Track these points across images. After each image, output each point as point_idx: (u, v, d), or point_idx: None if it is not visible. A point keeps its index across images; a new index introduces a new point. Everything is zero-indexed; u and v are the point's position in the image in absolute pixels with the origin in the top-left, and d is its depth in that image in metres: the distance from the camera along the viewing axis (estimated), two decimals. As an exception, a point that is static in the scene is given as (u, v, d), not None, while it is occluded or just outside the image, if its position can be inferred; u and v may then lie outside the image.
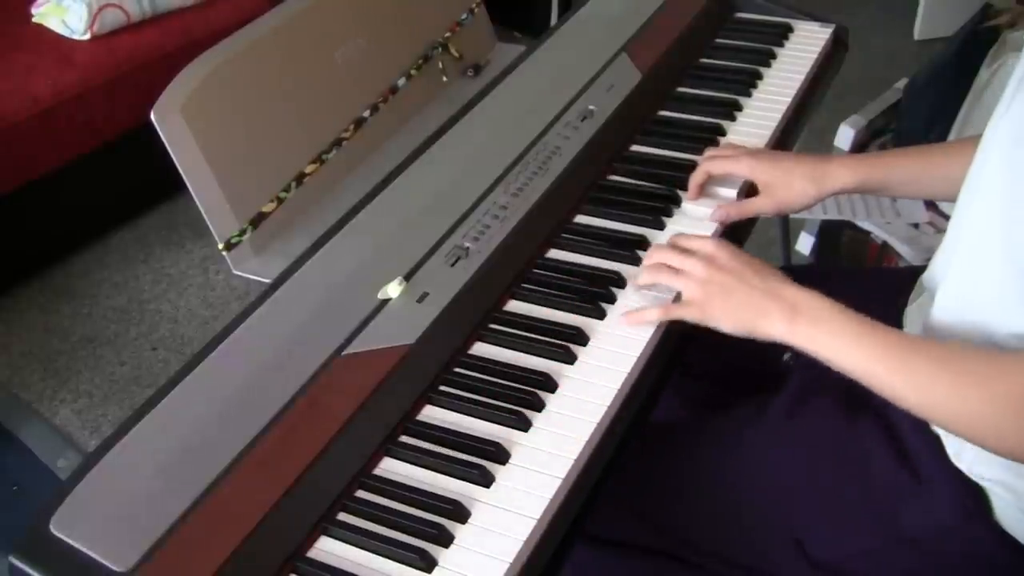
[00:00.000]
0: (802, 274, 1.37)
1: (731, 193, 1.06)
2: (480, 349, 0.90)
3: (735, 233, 1.06)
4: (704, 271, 0.86)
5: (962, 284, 0.82)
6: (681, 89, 1.26)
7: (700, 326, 0.87)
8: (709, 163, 1.05)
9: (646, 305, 0.91)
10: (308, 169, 1.10)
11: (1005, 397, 0.71)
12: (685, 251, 0.89)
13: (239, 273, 1.03)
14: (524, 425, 0.81)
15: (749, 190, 1.07)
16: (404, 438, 0.82)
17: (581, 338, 0.89)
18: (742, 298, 0.84)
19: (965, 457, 0.82)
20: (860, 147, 2.06)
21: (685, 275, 0.88)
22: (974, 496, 0.82)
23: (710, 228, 1.02)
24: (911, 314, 0.93)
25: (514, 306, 0.94)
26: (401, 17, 1.23)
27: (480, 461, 0.78)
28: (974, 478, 0.82)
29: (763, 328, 0.83)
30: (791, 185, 1.01)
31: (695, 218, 1.04)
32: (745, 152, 1.04)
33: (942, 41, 2.44)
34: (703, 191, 1.06)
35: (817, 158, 1.02)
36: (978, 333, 0.79)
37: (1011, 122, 0.77)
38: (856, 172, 1.00)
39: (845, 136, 2.06)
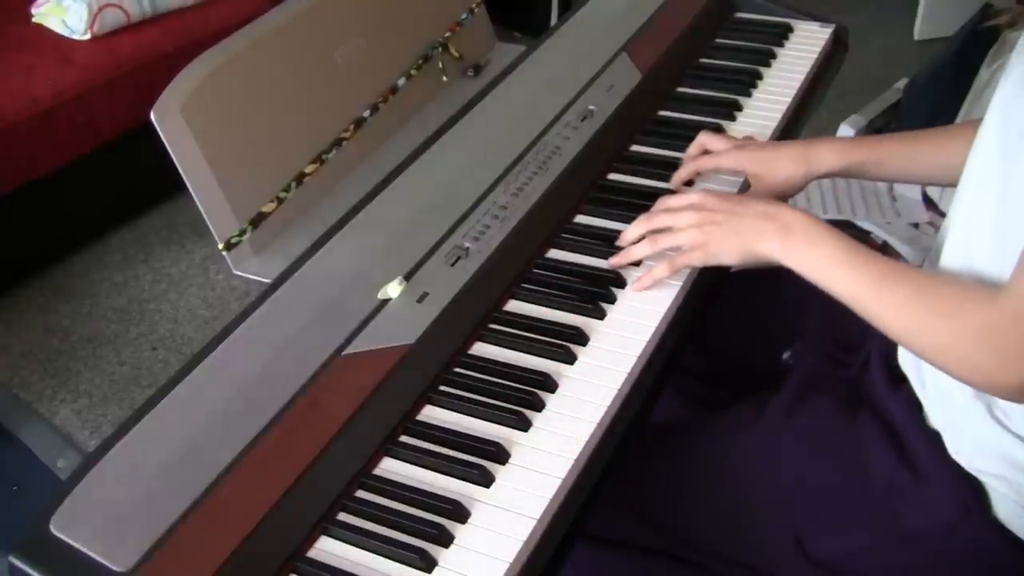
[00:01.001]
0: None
1: (732, 191, 1.07)
2: (480, 349, 0.90)
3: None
4: (696, 217, 0.89)
5: (957, 254, 0.83)
6: (681, 89, 1.26)
7: (697, 323, 0.87)
8: (696, 162, 1.06)
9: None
10: (308, 169, 1.10)
11: (976, 329, 0.73)
12: (667, 214, 0.91)
13: (239, 273, 1.03)
14: (524, 425, 0.81)
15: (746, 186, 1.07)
16: (404, 438, 0.82)
17: (581, 338, 0.89)
18: (737, 226, 0.86)
19: (964, 451, 0.82)
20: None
21: (680, 229, 0.90)
22: (973, 492, 0.82)
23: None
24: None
25: (514, 306, 0.94)
26: (401, 17, 1.23)
27: (480, 461, 0.78)
28: (973, 472, 0.82)
29: (759, 248, 0.85)
30: (779, 170, 1.02)
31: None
32: (731, 146, 1.05)
33: (942, 41, 2.44)
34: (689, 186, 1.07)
35: (802, 141, 1.04)
36: None
37: (1001, 100, 0.77)
38: (842, 154, 1.01)
39: (845, 136, 2.06)
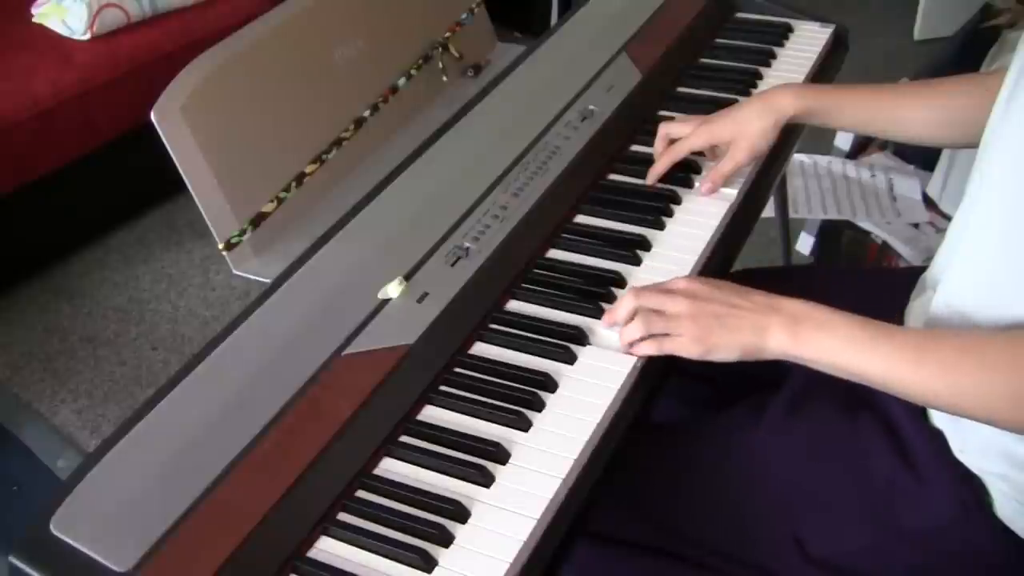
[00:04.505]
0: (802, 274, 1.38)
1: (732, 192, 1.07)
2: (480, 349, 0.90)
3: (735, 234, 1.06)
4: (691, 307, 0.83)
5: (960, 278, 0.83)
6: (681, 89, 1.26)
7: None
8: (669, 153, 1.07)
9: (638, 340, 0.86)
10: (308, 169, 1.10)
11: None
12: (661, 293, 0.86)
13: (239, 273, 1.03)
14: (524, 425, 0.81)
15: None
16: (404, 438, 0.82)
17: (581, 338, 0.89)
18: (737, 322, 0.81)
19: (969, 451, 0.82)
20: (860, 147, 2.06)
21: (673, 316, 0.84)
22: (973, 490, 0.82)
23: (710, 226, 1.02)
24: (912, 311, 0.94)
25: (514, 306, 0.94)
26: (401, 17, 1.23)
27: (480, 461, 0.78)
28: (976, 472, 0.82)
29: (765, 344, 0.80)
30: (750, 127, 1.04)
31: (695, 216, 1.04)
32: (698, 123, 1.07)
33: (942, 41, 2.44)
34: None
35: (764, 94, 1.06)
36: (970, 325, 0.80)
37: (1017, 125, 0.77)
38: (801, 98, 1.04)
39: (845, 136, 2.06)
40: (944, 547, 0.84)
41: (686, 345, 0.83)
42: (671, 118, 1.20)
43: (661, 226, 1.03)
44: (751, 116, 1.04)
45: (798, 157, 1.97)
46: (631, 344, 0.87)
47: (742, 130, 1.04)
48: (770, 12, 1.41)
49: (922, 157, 1.92)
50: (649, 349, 0.86)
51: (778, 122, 1.04)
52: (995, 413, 0.74)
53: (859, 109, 1.04)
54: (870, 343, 0.77)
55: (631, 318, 0.87)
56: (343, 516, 0.76)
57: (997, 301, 0.78)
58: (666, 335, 0.85)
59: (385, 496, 0.77)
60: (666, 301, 0.85)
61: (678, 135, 1.08)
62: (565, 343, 0.88)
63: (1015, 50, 0.81)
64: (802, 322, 0.79)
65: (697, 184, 1.08)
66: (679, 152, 1.07)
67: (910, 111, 1.01)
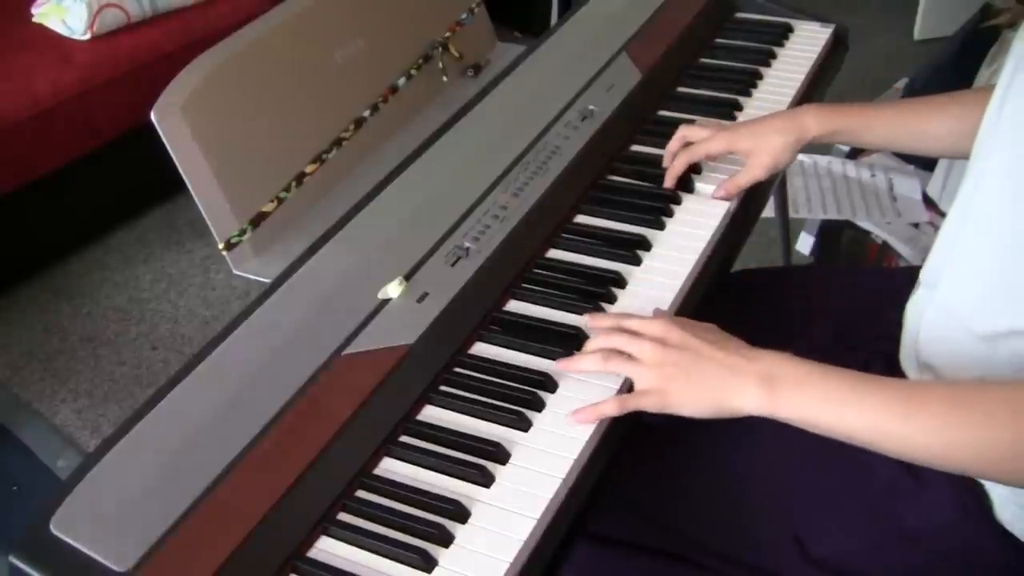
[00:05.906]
0: (802, 274, 1.38)
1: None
2: (480, 349, 0.90)
3: (735, 234, 1.06)
4: (656, 354, 0.79)
5: (956, 285, 0.83)
6: (681, 89, 1.26)
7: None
8: (687, 154, 1.07)
9: (598, 399, 0.82)
10: (308, 169, 1.10)
11: None
12: (632, 333, 0.82)
13: (239, 273, 1.03)
14: (524, 425, 0.81)
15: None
16: (404, 438, 0.82)
17: (581, 338, 0.89)
18: (703, 377, 0.77)
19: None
20: (860, 147, 2.06)
21: (636, 361, 0.80)
22: (973, 493, 0.82)
23: (710, 226, 1.02)
24: (910, 311, 0.93)
25: (514, 306, 0.94)
26: (401, 17, 1.23)
27: (480, 461, 0.78)
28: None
29: (735, 404, 0.76)
30: (772, 143, 1.04)
31: (695, 216, 1.04)
32: (718, 129, 1.07)
33: (942, 41, 2.44)
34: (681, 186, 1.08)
35: (788, 112, 1.06)
36: (964, 331, 0.80)
37: (1009, 131, 0.77)
38: (827, 119, 1.03)
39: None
40: (944, 549, 0.84)
41: (647, 400, 0.79)
42: (671, 118, 1.20)
43: (661, 226, 1.03)
44: (773, 132, 1.04)
45: (798, 157, 1.97)
46: (588, 412, 0.81)
47: (762, 144, 1.04)
48: (770, 12, 1.41)
49: (922, 157, 1.92)
50: (610, 408, 0.81)
51: (799, 140, 1.03)
52: (994, 467, 0.71)
53: (883, 127, 1.03)
54: (854, 398, 0.73)
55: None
56: (343, 516, 0.76)
57: (993, 309, 0.78)
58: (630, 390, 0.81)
59: (385, 496, 0.77)
60: (631, 343, 0.81)
61: (696, 139, 1.08)
62: (565, 343, 0.88)
63: (1008, 53, 0.81)
64: (779, 380, 0.75)
65: (697, 184, 1.08)
66: (697, 154, 1.07)
67: (933, 125, 1.01)
